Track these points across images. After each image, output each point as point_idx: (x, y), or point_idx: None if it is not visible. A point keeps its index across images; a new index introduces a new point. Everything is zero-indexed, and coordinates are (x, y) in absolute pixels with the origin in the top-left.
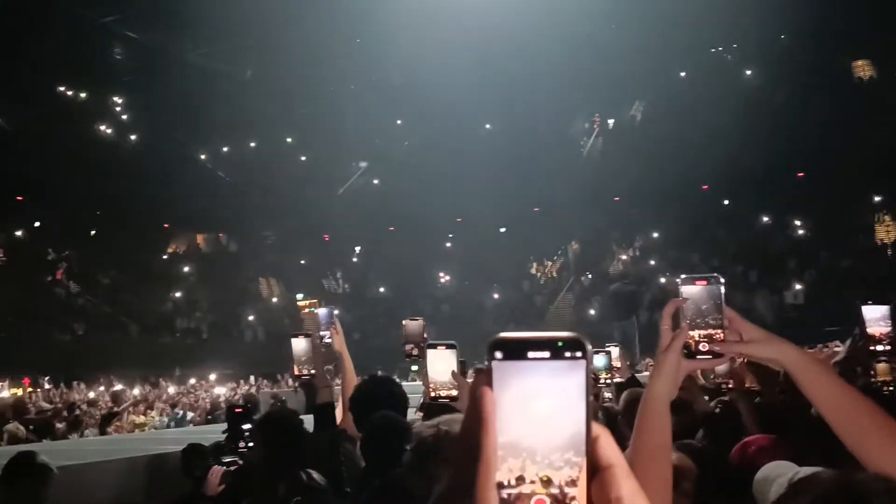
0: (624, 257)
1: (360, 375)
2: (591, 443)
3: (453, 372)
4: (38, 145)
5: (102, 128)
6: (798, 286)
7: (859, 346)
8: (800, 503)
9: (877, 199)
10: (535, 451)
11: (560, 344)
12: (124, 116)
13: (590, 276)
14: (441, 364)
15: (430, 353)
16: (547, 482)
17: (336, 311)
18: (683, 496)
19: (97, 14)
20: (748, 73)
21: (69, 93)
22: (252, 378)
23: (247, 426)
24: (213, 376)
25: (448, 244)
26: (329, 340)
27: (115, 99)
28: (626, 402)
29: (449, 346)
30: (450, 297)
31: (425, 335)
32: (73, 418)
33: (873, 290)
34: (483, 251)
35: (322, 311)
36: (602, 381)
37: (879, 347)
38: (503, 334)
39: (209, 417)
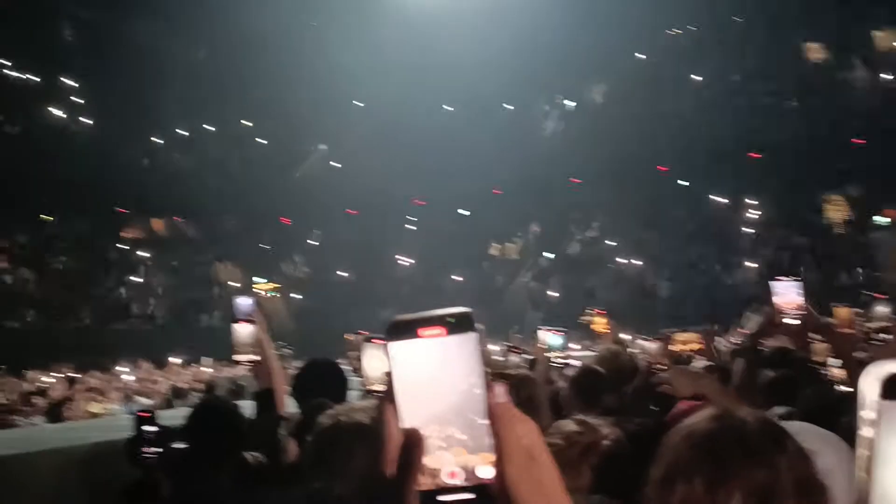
0: (582, 238)
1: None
2: (489, 402)
3: (386, 373)
4: None
5: (51, 110)
6: (752, 264)
7: (766, 318)
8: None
9: (828, 178)
10: (438, 423)
11: (450, 320)
12: (74, 98)
13: (550, 257)
14: (376, 361)
15: (367, 348)
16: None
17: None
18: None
19: None
20: (704, 54)
21: (17, 74)
22: (202, 360)
23: (152, 429)
24: (174, 360)
25: (408, 226)
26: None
27: (65, 81)
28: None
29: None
30: (409, 278)
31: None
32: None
33: (824, 269)
34: (443, 233)
35: (240, 301)
36: (560, 361)
37: (787, 320)
38: (398, 316)
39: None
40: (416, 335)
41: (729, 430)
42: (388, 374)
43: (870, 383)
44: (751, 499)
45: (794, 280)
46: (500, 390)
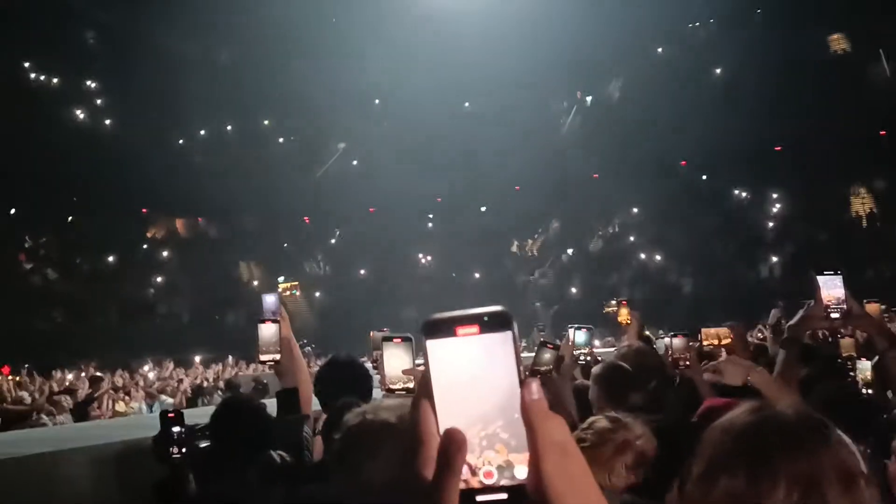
0: (604, 234)
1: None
2: (523, 399)
3: (405, 370)
4: (11, 131)
5: (76, 112)
6: (775, 259)
7: (811, 311)
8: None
9: (853, 172)
10: (477, 422)
11: (486, 318)
12: (98, 101)
13: (570, 252)
14: (395, 360)
15: (386, 346)
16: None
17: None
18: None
19: None
20: (724, 48)
21: (41, 77)
22: (230, 359)
23: (178, 428)
24: (197, 358)
25: (428, 224)
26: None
27: (89, 84)
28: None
29: (405, 339)
30: (431, 277)
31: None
32: (50, 405)
33: (850, 263)
34: (464, 231)
35: (268, 298)
36: (582, 358)
37: (834, 315)
38: (435, 315)
39: (190, 399)
40: (453, 334)
41: (770, 422)
42: (425, 373)
43: None
44: (795, 489)
45: (837, 274)
46: (534, 387)
